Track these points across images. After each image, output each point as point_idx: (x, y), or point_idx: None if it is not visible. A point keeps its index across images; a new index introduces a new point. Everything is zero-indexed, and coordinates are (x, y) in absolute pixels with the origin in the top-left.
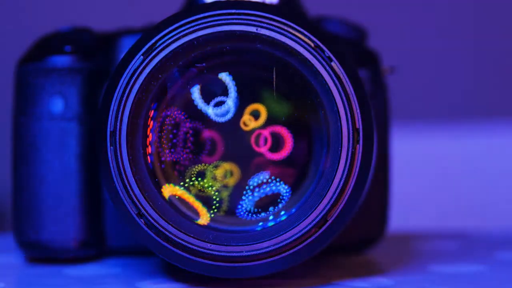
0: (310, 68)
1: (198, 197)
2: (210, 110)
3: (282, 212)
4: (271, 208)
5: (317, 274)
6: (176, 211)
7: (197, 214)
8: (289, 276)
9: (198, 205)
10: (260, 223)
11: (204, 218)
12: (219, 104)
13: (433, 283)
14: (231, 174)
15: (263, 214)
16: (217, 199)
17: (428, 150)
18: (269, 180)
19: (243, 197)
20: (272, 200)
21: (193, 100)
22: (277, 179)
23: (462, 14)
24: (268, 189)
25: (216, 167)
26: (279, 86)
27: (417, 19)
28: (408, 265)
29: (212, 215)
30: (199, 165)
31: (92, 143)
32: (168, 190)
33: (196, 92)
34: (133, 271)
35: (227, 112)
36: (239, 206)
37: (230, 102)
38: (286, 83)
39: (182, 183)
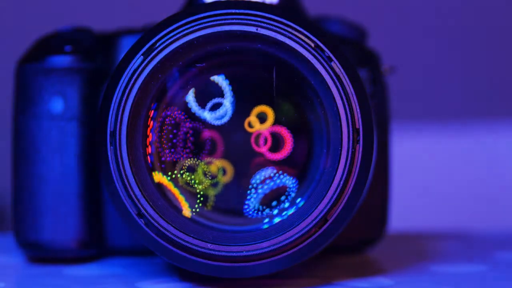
0: (310, 68)
1: (184, 190)
2: (206, 114)
3: (287, 205)
4: (274, 203)
5: (317, 274)
6: (176, 211)
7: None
8: (289, 276)
9: (181, 199)
10: (267, 219)
11: (186, 212)
12: (215, 107)
13: (433, 283)
14: (224, 172)
15: (268, 210)
16: (202, 195)
17: (428, 150)
18: (272, 175)
19: (248, 197)
20: (278, 194)
21: (187, 103)
22: (281, 172)
23: (462, 14)
24: (272, 183)
25: (208, 163)
26: (279, 86)
27: (417, 19)
28: (408, 265)
29: (193, 212)
30: (191, 159)
31: (92, 143)
32: (158, 177)
33: (190, 96)
34: (133, 271)
35: (225, 114)
36: (246, 206)
37: (227, 104)
38: (286, 83)
39: (170, 173)
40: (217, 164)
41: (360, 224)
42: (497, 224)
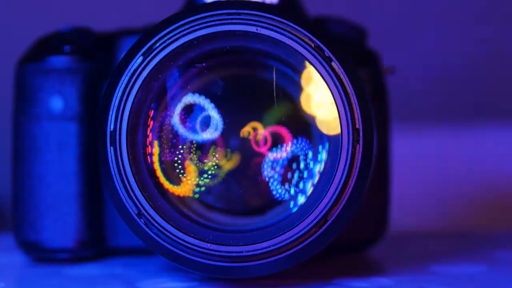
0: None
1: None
2: (204, 135)
3: (305, 174)
4: (296, 178)
5: (317, 274)
6: (176, 211)
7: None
8: (289, 276)
9: (190, 167)
10: (292, 202)
11: (188, 183)
12: (205, 123)
13: (433, 283)
14: (230, 158)
15: (294, 188)
16: (212, 172)
17: (428, 150)
18: (287, 148)
19: (270, 184)
20: (294, 168)
21: (177, 132)
22: (288, 143)
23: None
24: (282, 160)
25: (216, 148)
26: (278, 86)
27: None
28: (408, 265)
29: (201, 182)
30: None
31: (92, 143)
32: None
33: (181, 128)
34: (133, 271)
35: (217, 127)
36: (274, 192)
37: (215, 115)
38: (286, 82)
39: (180, 146)
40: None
41: (360, 224)
42: (497, 224)
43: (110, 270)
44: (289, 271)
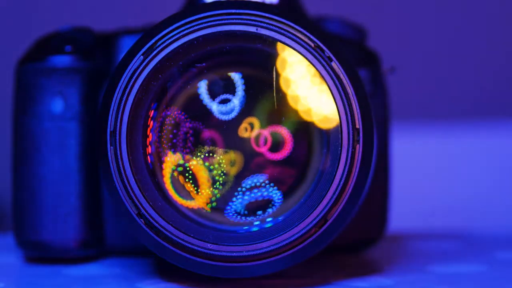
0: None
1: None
2: (215, 107)
3: (269, 219)
4: (259, 212)
5: (317, 274)
6: (176, 211)
7: (195, 191)
8: (289, 276)
9: (203, 177)
10: (245, 227)
11: (203, 196)
12: (224, 101)
13: (433, 283)
14: (234, 163)
15: (251, 217)
16: (222, 178)
17: (428, 150)
18: (263, 184)
19: (234, 198)
20: (262, 204)
21: (199, 95)
22: (272, 184)
23: (462, 13)
24: (259, 193)
25: (225, 152)
26: (279, 86)
27: (417, 19)
28: (408, 265)
29: (216, 192)
30: (208, 147)
31: (92, 143)
32: (172, 160)
33: (203, 87)
34: (133, 271)
35: (232, 110)
36: (228, 207)
37: (236, 101)
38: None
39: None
40: (231, 155)
41: (360, 224)
42: (497, 224)
43: (110, 270)
44: (289, 271)
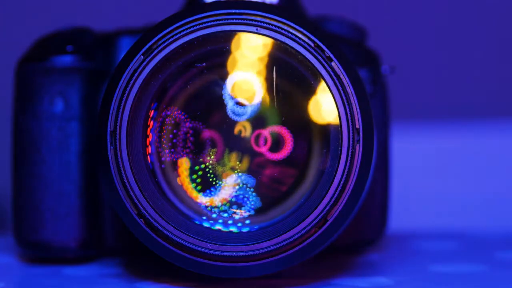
0: (310, 67)
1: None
2: (230, 104)
3: (248, 221)
4: (234, 207)
5: (317, 274)
6: (176, 211)
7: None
8: (289, 276)
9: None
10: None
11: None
12: (240, 104)
13: (433, 283)
14: (241, 161)
15: (226, 214)
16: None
17: (428, 150)
18: (239, 186)
19: (212, 188)
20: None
21: (222, 89)
22: (251, 191)
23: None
24: (237, 193)
25: (230, 152)
26: (279, 86)
27: (417, 19)
28: (408, 265)
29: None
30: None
31: (92, 143)
32: (185, 166)
33: (229, 83)
34: (133, 271)
35: (244, 114)
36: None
37: (250, 109)
38: (286, 82)
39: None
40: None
41: (360, 224)
42: (497, 224)
43: (110, 270)
44: (289, 271)
